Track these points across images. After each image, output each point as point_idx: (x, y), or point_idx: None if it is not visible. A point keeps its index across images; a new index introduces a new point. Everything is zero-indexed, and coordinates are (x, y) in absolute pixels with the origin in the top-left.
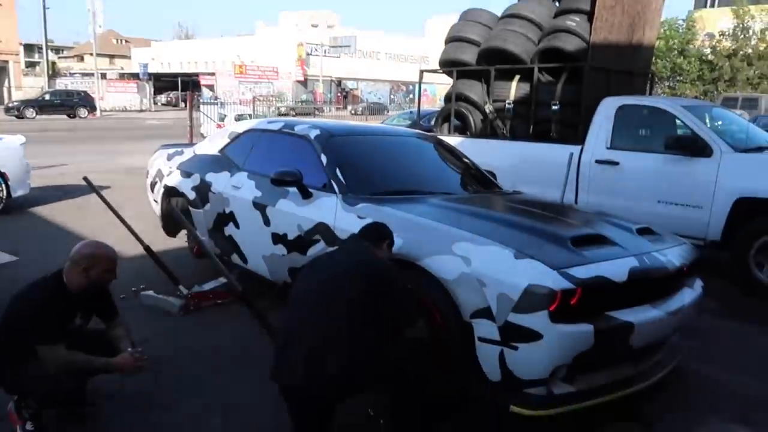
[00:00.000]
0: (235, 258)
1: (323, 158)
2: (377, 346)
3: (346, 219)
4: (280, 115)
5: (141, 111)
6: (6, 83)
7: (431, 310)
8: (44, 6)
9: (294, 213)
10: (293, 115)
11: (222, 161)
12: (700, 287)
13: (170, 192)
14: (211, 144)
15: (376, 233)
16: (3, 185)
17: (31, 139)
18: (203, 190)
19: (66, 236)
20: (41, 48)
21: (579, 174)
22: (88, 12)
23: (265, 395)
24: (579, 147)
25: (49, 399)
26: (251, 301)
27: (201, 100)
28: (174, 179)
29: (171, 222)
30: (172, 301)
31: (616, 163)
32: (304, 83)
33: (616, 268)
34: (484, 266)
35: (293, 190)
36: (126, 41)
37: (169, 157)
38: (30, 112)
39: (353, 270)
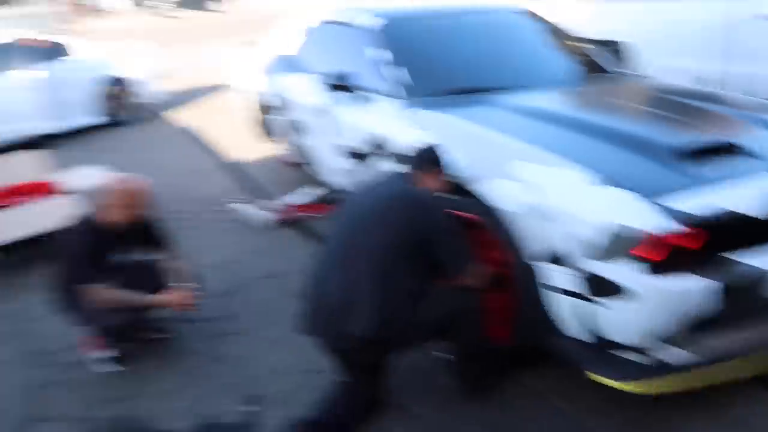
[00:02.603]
0: (316, 169)
1: (383, 54)
2: (415, 299)
3: (406, 129)
4: None
5: None
6: None
7: (490, 249)
8: None
9: (355, 122)
10: None
11: (296, 62)
12: None
13: (257, 97)
14: (290, 43)
15: (422, 159)
16: (130, 91)
17: (174, 39)
18: (280, 95)
19: (178, 144)
20: None
21: (736, 35)
22: None
23: None
24: None
25: (103, 332)
26: (313, 229)
27: None
28: (258, 84)
29: (266, 126)
30: (262, 216)
31: None
32: None
33: (747, 194)
34: (554, 196)
35: (354, 94)
36: None
37: (255, 60)
38: (176, 11)
39: (387, 207)
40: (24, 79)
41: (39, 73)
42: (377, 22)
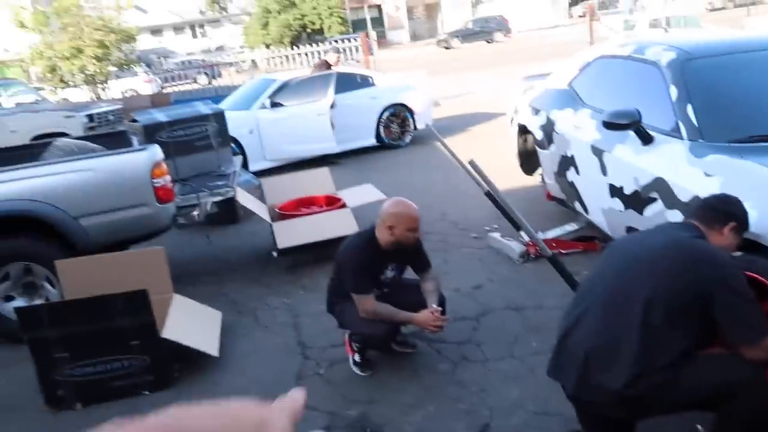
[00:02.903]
0: (577, 206)
1: (673, 91)
2: (682, 359)
3: (689, 174)
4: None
5: (555, 27)
6: (438, 17)
7: None
8: None
9: (630, 162)
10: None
11: (567, 96)
12: None
13: (522, 129)
14: (562, 76)
15: (714, 210)
16: (411, 119)
17: (450, 68)
18: (548, 129)
19: (447, 167)
20: None
21: None
22: None
23: None
24: None
25: (358, 338)
26: (563, 267)
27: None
28: (524, 116)
29: (527, 160)
30: (513, 247)
31: None
32: None
33: None
34: None
35: (632, 133)
36: None
37: (525, 92)
38: (455, 42)
39: (661, 256)
40: (321, 105)
41: (329, 100)
42: (666, 57)
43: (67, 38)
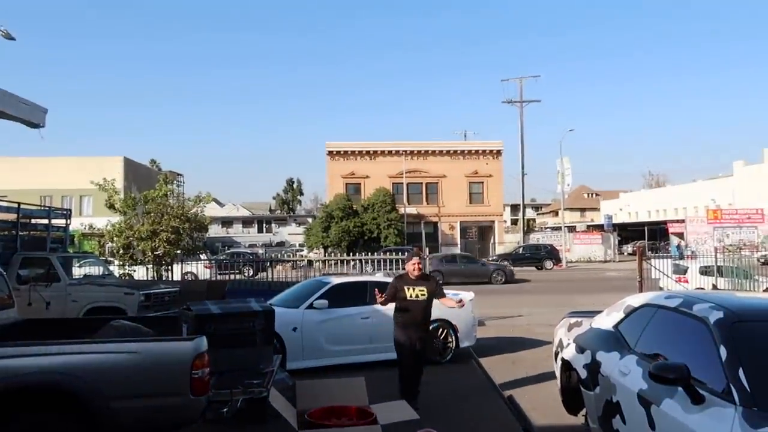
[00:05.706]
0: None
1: (723, 351)
2: None
3: None
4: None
5: (605, 262)
6: (492, 239)
7: None
8: (522, 174)
9: (680, 420)
10: None
11: (614, 339)
12: None
13: (566, 365)
14: (608, 317)
15: None
16: (453, 336)
17: (496, 290)
18: (594, 369)
19: (484, 394)
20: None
21: None
22: (558, 173)
23: None
24: None
25: None
26: None
27: (669, 250)
28: (569, 352)
29: (571, 398)
30: None
31: None
32: None
33: None
34: None
35: (681, 389)
36: (596, 194)
37: (570, 327)
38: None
39: None
40: (361, 313)
41: (367, 309)
42: (714, 315)
43: (147, 222)
